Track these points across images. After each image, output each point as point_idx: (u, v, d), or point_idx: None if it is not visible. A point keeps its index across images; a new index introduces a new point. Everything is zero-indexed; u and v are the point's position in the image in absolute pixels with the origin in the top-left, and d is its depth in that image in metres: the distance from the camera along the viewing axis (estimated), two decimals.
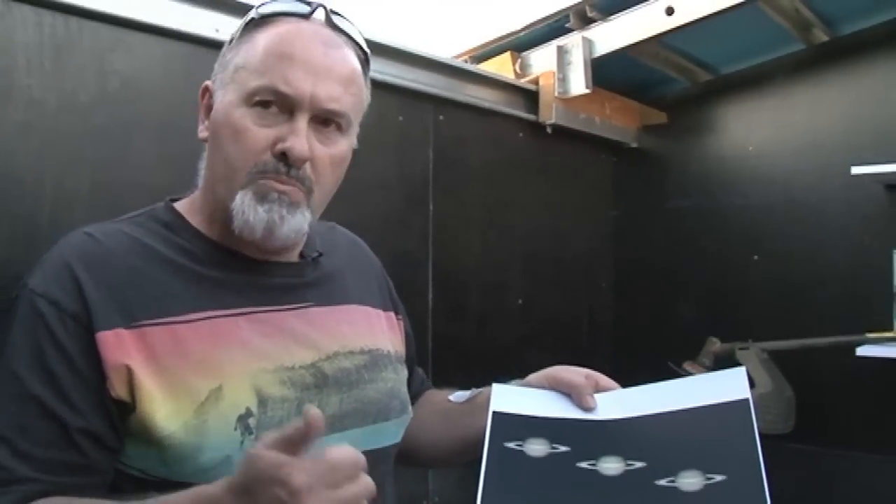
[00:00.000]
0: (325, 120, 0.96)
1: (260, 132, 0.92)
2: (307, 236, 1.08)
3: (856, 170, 2.10)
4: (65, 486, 0.84)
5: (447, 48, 2.37)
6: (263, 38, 0.95)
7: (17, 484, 0.82)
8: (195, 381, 0.88)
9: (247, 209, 0.92)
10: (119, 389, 0.85)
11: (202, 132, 1.00)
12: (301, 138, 0.92)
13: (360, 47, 1.02)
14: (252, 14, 0.98)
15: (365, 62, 1.03)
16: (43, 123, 1.28)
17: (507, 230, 2.32)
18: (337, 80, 0.95)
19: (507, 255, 2.32)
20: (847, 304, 2.30)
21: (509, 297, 2.33)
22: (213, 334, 0.91)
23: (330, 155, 0.97)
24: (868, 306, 2.22)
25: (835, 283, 2.34)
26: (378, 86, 1.85)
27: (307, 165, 0.94)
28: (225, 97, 0.96)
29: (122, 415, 0.87)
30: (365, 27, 1.84)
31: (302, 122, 0.93)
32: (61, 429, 0.84)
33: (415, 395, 1.22)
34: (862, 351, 2.06)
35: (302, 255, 1.06)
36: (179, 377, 0.87)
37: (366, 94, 1.03)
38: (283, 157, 0.92)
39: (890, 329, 2.12)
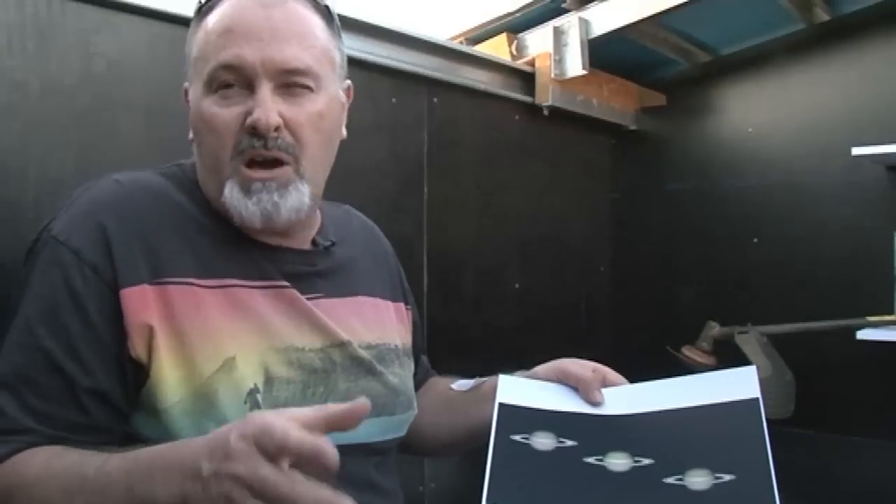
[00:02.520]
0: (291, 84, 0.91)
1: (227, 113, 0.89)
2: (321, 223, 1.05)
3: (856, 151, 2.08)
4: (66, 441, 0.82)
5: (442, 30, 2.35)
6: (209, 22, 0.92)
7: (19, 434, 0.81)
8: (210, 348, 0.85)
9: (238, 203, 0.90)
10: (139, 349, 0.83)
11: (190, 135, 0.96)
12: (264, 107, 0.88)
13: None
14: (198, 0, 0.96)
15: (326, 12, 0.98)
16: (27, 106, 1.26)
17: (504, 214, 2.29)
18: (286, 38, 0.90)
19: (504, 238, 2.30)
20: (847, 288, 2.28)
21: (506, 282, 2.31)
22: (232, 304, 0.89)
23: (306, 114, 0.92)
24: (869, 290, 2.21)
25: (835, 266, 2.32)
26: (372, 68, 1.87)
27: (284, 132, 0.90)
28: (194, 93, 0.94)
29: (138, 377, 0.84)
30: (360, 9, 1.83)
31: (263, 90, 0.89)
32: (67, 385, 0.82)
33: (419, 384, 1.21)
34: (862, 335, 2.05)
35: (315, 242, 1.03)
36: (195, 342, 0.85)
37: (333, 43, 0.98)
38: (252, 130, 0.88)
39: (891, 313, 2.10)
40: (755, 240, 2.48)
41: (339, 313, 1.00)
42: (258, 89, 0.89)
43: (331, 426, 0.68)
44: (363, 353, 1.00)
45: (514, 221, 2.34)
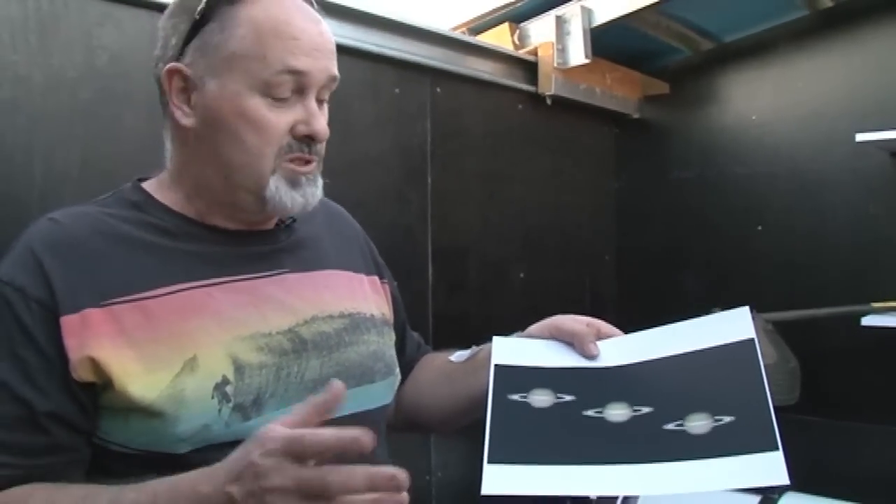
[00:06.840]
0: (325, 98, 0.99)
1: (280, 119, 0.94)
2: None
3: (860, 137, 2.07)
4: (40, 467, 0.84)
5: (445, 20, 2.34)
6: (251, 19, 0.93)
7: None
8: (169, 353, 0.88)
9: (283, 195, 0.95)
10: (83, 373, 0.85)
11: (184, 118, 0.97)
12: (321, 119, 0.96)
13: None
14: None
15: None
16: (30, 100, 1.26)
17: (508, 204, 2.29)
18: (331, 55, 0.98)
19: (508, 228, 2.30)
20: (852, 274, 2.28)
21: (511, 272, 2.31)
22: (185, 306, 0.91)
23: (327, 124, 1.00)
24: (873, 276, 2.21)
25: (840, 253, 2.32)
26: (374, 58, 1.86)
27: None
28: (226, 87, 0.94)
29: (92, 395, 0.87)
30: None
31: (313, 101, 0.96)
32: (28, 412, 0.84)
33: (412, 360, 1.22)
34: (867, 321, 2.04)
35: (277, 224, 1.06)
36: (152, 350, 0.87)
37: None
38: (307, 138, 0.96)
39: (895, 299, 2.10)
40: (759, 227, 2.48)
41: (308, 286, 1.02)
42: (309, 98, 0.96)
43: (321, 415, 0.74)
44: (333, 326, 1.01)
45: (519, 211, 2.34)
